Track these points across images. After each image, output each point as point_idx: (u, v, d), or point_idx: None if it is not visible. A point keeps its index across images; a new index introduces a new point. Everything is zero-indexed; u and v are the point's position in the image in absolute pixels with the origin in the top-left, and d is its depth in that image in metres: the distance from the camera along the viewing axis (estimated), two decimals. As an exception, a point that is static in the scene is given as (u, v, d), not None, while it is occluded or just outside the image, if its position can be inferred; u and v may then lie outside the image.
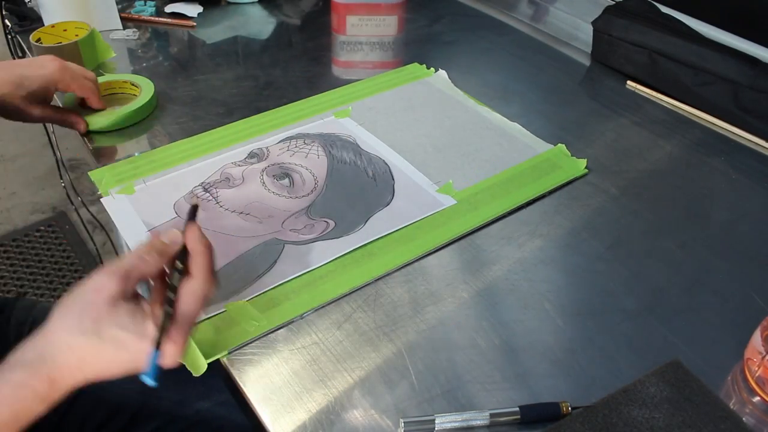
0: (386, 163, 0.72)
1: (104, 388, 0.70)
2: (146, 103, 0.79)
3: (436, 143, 0.76)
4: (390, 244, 0.62)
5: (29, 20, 0.99)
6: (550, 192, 0.70)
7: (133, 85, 0.82)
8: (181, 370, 0.50)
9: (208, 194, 0.67)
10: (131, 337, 0.44)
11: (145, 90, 0.81)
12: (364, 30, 0.97)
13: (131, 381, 0.71)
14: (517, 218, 0.66)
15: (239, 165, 0.71)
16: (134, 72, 0.89)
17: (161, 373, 0.44)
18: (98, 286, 0.44)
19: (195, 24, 1.02)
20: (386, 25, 0.97)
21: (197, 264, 0.46)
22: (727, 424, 0.46)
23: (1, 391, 0.42)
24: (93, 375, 0.44)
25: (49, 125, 1.15)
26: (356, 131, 0.78)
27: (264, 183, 0.69)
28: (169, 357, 0.44)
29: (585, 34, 0.97)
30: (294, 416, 0.48)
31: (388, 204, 0.67)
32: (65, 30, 0.87)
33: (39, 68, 0.70)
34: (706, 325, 0.55)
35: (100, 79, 0.80)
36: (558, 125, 0.81)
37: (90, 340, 0.43)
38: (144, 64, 0.91)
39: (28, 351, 0.43)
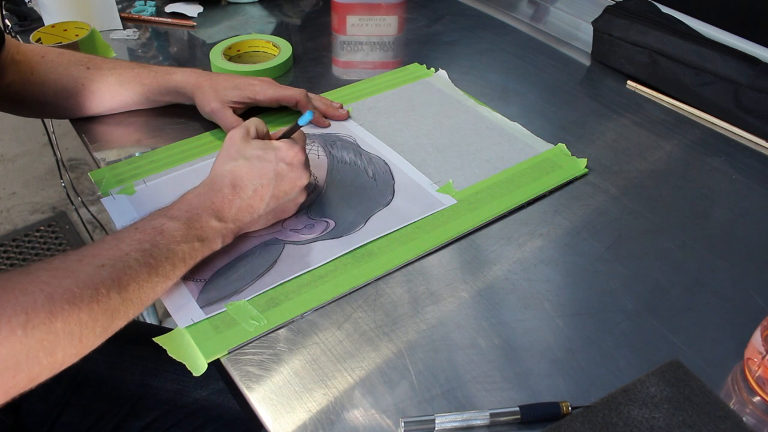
0: (386, 163, 0.72)
1: (103, 379, 0.71)
2: (284, 62, 0.89)
3: (437, 143, 0.76)
4: (390, 243, 0.62)
5: (29, 20, 0.99)
6: (551, 192, 0.70)
7: (273, 45, 0.92)
8: (178, 362, 0.51)
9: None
10: (267, 151, 0.59)
11: (283, 50, 0.91)
12: (364, 30, 0.97)
13: (131, 371, 0.73)
14: (517, 218, 0.66)
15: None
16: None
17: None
18: (231, 136, 0.60)
19: (195, 24, 1.02)
20: (386, 25, 0.97)
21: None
22: (727, 424, 0.46)
23: (177, 230, 0.52)
24: (251, 189, 0.57)
25: (49, 125, 1.16)
26: (356, 131, 0.78)
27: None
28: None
29: (585, 34, 0.97)
30: (294, 416, 0.48)
31: (388, 204, 0.67)
32: (65, 30, 0.87)
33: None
34: (706, 325, 0.56)
35: (244, 38, 0.93)
36: (558, 125, 0.81)
37: (239, 162, 0.58)
38: (144, 64, 0.92)
39: (198, 189, 0.57)
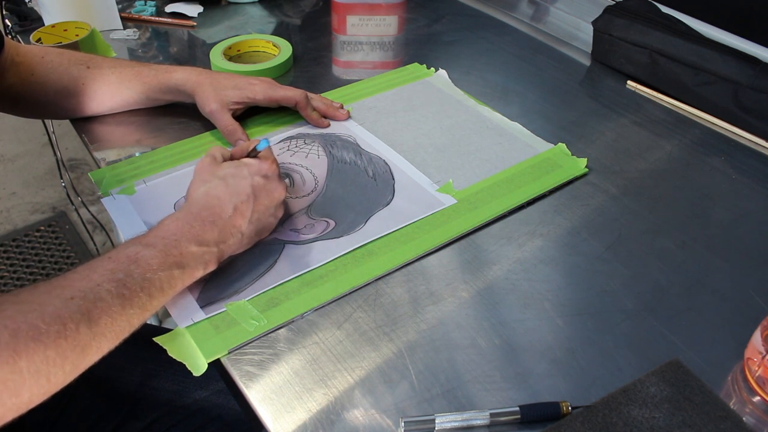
0: (386, 163, 0.72)
1: (103, 380, 0.71)
2: (284, 62, 0.89)
3: (437, 143, 0.76)
4: (390, 243, 0.62)
5: (29, 20, 0.99)
6: (551, 192, 0.70)
7: (273, 45, 0.92)
8: (178, 362, 0.51)
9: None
10: (239, 168, 0.58)
11: (283, 50, 0.91)
12: (364, 30, 0.97)
13: (131, 372, 0.73)
14: (517, 218, 0.66)
15: (239, 165, 0.71)
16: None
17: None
18: (199, 164, 0.59)
19: (195, 24, 1.02)
20: (386, 25, 0.97)
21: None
22: (727, 424, 0.46)
23: (153, 258, 0.50)
24: (231, 207, 0.55)
25: (49, 125, 1.16)
26: (356, 131, 0.78)
27: (264, 183, 0.69)
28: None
29: (585, 34, 0.97)
30: (294, 416, 0.48)
31: (388, 203, 0.67)
32: (65, 30, 0.87)
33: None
34: (706, 325, 0.56)
35: (244, 38, 0.93)
36: (558, 125, 0.81)
37: (213, 183, 0.57)
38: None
39: (176, 214, 0.55)
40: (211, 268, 0.55)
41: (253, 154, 0.61)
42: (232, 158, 0.61)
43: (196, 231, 0.53)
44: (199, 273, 0.54)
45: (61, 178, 1.25)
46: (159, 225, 0.53)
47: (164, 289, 0.51)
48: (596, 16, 0.92)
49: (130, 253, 0.50)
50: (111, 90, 0.75)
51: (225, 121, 0.73)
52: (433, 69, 0.91)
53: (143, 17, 1.02)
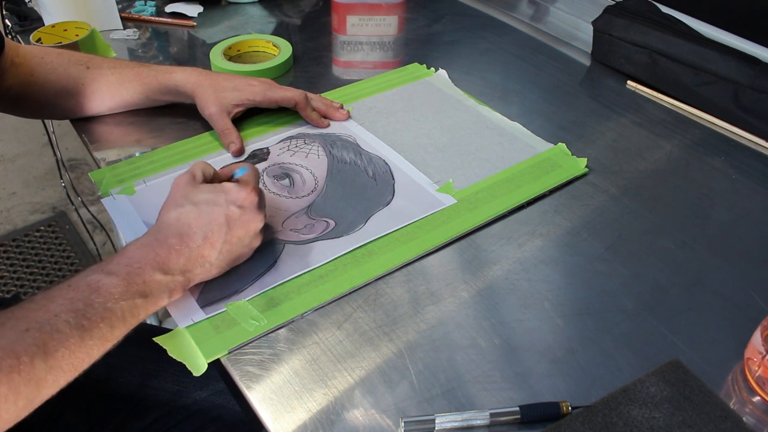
0: (386, 163, 0.72)
1: (103, 380, 0.71)
2: (284, 62, 0.89)
3: (437, 143, 0.76)
4: (390, 243, 0.62)
5: (29, 20, 0.99)
6: (551, 192, 0.70)
7: (273, 45, 0.92)
8: (178, 362, 0.51)
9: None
10: (216, 195, 0.54)
11: (283, 50, 0.91)
12: (364, 30, 0.97)
13: (131, 372, 0.73)
14: (517, 218, 0.66)
15: (239, 165, 0.71)
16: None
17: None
18: (176, 182, 0.56)
19: (195, 24, 1.02)
20: (386, 25, 0.97)
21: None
22: (727, 424, 0.46)
23: (115, 286, 0.48)
24: (201, 237, 0.53)
25: (49, 125, 1.16)
26: (356, 131, 0.78)
27: (264, 183, 0.69)
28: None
29: (585, 34, 0.97)
30: (294, 416, 0.48)
31: (388, 203, 0.67)
32: (65, 30, 0.87)
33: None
34: (706, 325, 0.56)
35: (244, 38, 0.93)
36: (558, 125, 0.81)
37: (186, 208, 0.54)
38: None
39: (141, 240, 0.53)
40: (177, 296, 0.53)
41: (233, 179, 0.58)
42: (213, 179, 0.58)
43: (162, 258, 0.51)
44: (164, 301, 0.52)
45: (61, 178, 1.25)
46: (122, 251, 0.51)
47: (126, 318, 0.48)
48: (596, 16, 0.92)
49: (91, 281, 0.48)
50: (110, 90, 0.75)
51: (221, 124, 0.73)
52: (433, 69, 0.91)
53: (143, 17, 1.02)
